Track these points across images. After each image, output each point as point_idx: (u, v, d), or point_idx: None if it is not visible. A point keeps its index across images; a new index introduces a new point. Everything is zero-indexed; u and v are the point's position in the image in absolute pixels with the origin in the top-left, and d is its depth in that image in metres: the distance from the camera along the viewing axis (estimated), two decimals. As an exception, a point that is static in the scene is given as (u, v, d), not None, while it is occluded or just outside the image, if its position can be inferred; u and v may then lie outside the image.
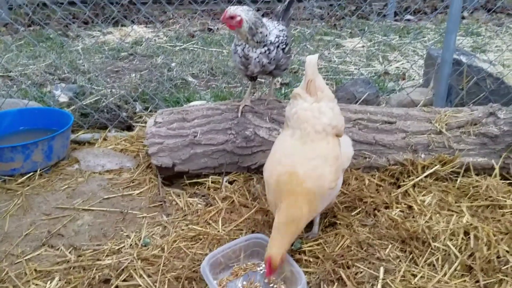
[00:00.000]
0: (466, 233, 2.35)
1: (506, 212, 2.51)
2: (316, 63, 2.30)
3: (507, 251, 2.22)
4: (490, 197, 2.64)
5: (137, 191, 2.88)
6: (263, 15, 3.03)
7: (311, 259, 2.26)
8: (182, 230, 2.50)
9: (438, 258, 2.24)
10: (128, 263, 2.21)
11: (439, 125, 2.95)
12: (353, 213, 2.59)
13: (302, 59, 5.41)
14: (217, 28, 7.25)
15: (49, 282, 2.15)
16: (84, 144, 3.58)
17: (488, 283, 2.08)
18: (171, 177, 3.03)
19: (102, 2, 6.74)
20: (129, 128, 3.90)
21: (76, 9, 6.93)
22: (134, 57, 5.76)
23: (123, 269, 2.17)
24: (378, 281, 2.10)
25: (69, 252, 2.34)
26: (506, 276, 2.10)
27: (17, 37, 6.47)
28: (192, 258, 2.24)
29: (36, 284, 2.14)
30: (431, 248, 2.29)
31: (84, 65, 5.27)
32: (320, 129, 2.21)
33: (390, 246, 2.33)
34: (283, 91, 4.65)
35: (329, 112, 2.26)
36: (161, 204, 2.76)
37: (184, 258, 2.25)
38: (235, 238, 2.34)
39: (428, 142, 2.92)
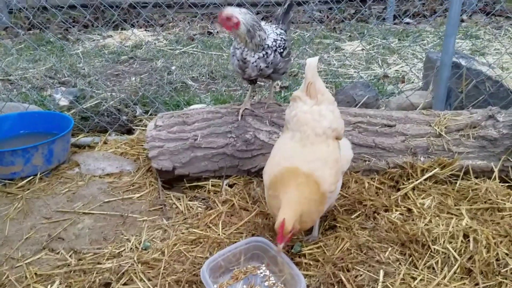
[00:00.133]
0: (466, 236, 2.36)
1: (505, 215, 2.52)
2: (316, 65, 2.31)
3: (507, 254, 2.23)
4: (489, 200, 2.64)
5: (137, 195, 2.89)
6: (262, 19, 3.04)
7: (311, 262, 2.26)
8: (183, 233, 2.50)
9: (437, 261, 2.24)
10: (129, 266, 2.21)
11: (438, 128, 2.96)
12: (353, 216, 2.60)
13: (301, 63, 5.43)
14: (217, 32, 7.27)
15: (49, 286, 2.15)
16: (84, 147, 3.59)
17: (487, 285, 2.09)
18: (171, 180, 3.04)
19: (102, 6, 6.77)
20: (129, 131, 3.91)
21: (76, 12, 6.94)
22: (134, 60, 5.78)
23: (123, 273, 2.18)
24: (378, 284, 2.10)
25: (70, 256, 2.35)
26: (506, 278, 2.11)
27: (17, 41, 6.49)
28: (193, 261, 2.24)
29: (37, 288, 2.15)
30: (431, 251, 2.30)
31: (84, 69, 5.28)
32: (320, 132, 2.22)
33: (389, 249, 2.33)
34: (282, 95, 4.66)
35: (329, 115, 2.27)
36: (161, 208, 2.77)
37: (185, 261, 2.25)
38: (235, 242, 2.34)
39: (427, 145, 2.93)
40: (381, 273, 2.16)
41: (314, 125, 2.23)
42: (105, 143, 3.61)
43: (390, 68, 5.47)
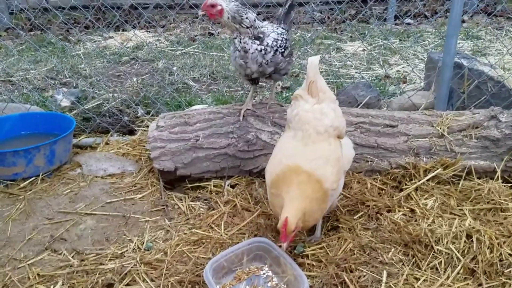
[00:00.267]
0: (469, 236, 2.36)
1: (509, 215, 2.51)
2: (317, 64, 2.31)
3: (510, 254, 2.23)
4: (492, 200, 2.64)
5: (139, 195, 2.88)
6: (264, 20, 3.03)
7: (314, 263, 2.26)
8: (185, 234, 2.50)
9: (441, 261, 2.24)
10: (131, 267, 2.21)
11: (440, 128, 2.95)
12: (355, 217, 2.60)
13: (303, 63, 5.42)
14: (218, 33, 7.27)
15: (52, 286, 2.15)
16: (86, 148, 3.59)
17: (491, 286, 2.09)
18: (173, 181, 3.03)
19: (104, 7, 6.78)
20: (131, 132, 3.91)
21: (78, 13, 6.95)
22: (135, 61, 5.78)
23: (126, 273, 2.17)
24: (381, 284, 2.10)
25: (72, 257, 2.34)
26: (509, 279, 2.10)
27: (18, 42, 6.49)
28: (195, 262, 2.24)
29: (39, 289, 2.14)
30: (434, 252, 2.29)
31: (85, 70, 5.29)
32: (322, 130, 2.22)
33: (393, 249, 2.33)
34: (284, 95, 4.66)
35: (331, 114, 2.27)
36: (164, 208, 2.76)
37: (187, 262, 2.25)
38: (238, 242, 2.34)
39: (430, 145, 2.92)
40: (384, 273, 2.16)
41: (315, 123, 2.23)
42: (107, 143, 3.61)
43: (392, 69, 5.47)
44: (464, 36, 6.68)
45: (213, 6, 2.64)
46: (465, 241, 2.32)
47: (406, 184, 2.84)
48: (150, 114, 4.09)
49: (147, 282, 2.12)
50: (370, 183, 2.84)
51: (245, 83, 4.68)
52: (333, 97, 2.38)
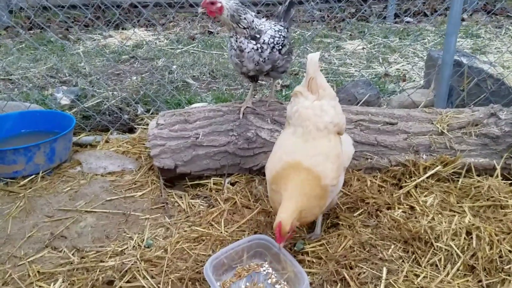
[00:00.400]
0: (468, 233, 2.36)
1: (508, 212, 2.51)
2: (317, 61, 2.31)
3: (510, 251, 2.23)
4: (492, 197, 2.64)
5: (139, 193, 2.88)
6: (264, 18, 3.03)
7: (314, 260, 2.26)
8: (185, 231, 2.50)
9: (440, 258, 2.24)
10: (132, 264, 2.21)
11: (440, 126, 2.96)
12: (355, 214, 2.60)
13: (302, 61, 5.42)
14: (217, 32, 7.27)
15: (52, 284, 2.15)
16: (86, 146, 3.59)
17: (490, 282, 2.09)
18: (173, 178, 3.04)
19: (103, 5, 6.77)
20: (131, 130, 3.91)
21: (77, 12, 6.95)
22: (135, 60, 5.78)
23: (126, 271, 2.17)
24: (381, 281, 2.10)
25: (72, 254, 2.34)
26: (509, 275, 2.11)
27: (18, 41, 6.49)
28: (195, 259, 2.24)
29: (40, 286, 2.14)
30: (434, 248, 2.29)
31: (85, 68, 5.29)
32: (322, 127, 2.22)
33: (392, 246, 2.33)
34: (283, 93, 4.66)
35: (330, 110, 2.27)
36: (164, 206, 2.76)
37: (187, 259, 2.25)
38: (238, 239, 2.34)
39: (429, 143, 2.92)
40: (384, 270, 2.16)
41: (315, 120, 2.23)
42: (106, 142, 3.61)
43: (391, 67, 5.47)
44: (464, 35, 6.68)
45: (213, 3, 2.64)
46: (465, 238, 2.33)
47: (405, 182, 2.84)
48: (150, 112, 4.09)
49: (148, 279, 2.12)
50: (370, 181, 2.84)
51: (245, 81, 4.68)
52: (333, 94, 2.38)
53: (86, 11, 4.29)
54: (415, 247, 2.31)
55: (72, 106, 4.08)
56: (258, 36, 2.76)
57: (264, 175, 2.35)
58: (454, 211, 2.58)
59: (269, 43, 2.77)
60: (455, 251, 2.25)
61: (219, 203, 2.76)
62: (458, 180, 2.84)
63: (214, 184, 2.97)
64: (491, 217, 2.49)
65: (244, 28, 2.71)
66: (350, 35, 6.98)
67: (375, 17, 7.93)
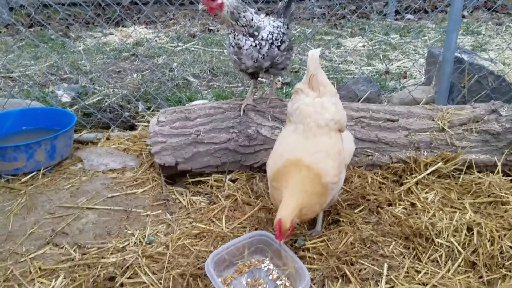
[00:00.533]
0: (469, 229, 2.36)
1: (509, 208, 2.51)
2: (318, 57, 2.30)
3: (511, 247, 2.23)
4: (492, 193, 2.64)
5: (141, 190, 2.89)
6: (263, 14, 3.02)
7: (315, 256, 2.26)
8: (186, 228, 2.50)
9: (441, 254, 2.24)
10: (133, 260, 2.21)
11: (441, 122, 2.96)
12: (356, 211, 2.60)
13: (303, 59, 5.42)
14: (218, 29, 7.26)
15: (54, 280, 2.15)
16: (87, 143, 3.59)
17: (491, 278, 2.09)
18: (174, 175, 3.04)
19: (103, 2, 6.77)
20: (132, 127, 3.91)
21: (78, 9, 6.94)
22: (135, 57, 5.77)
23: (127, 267, 2.18)
24: (382, 277, 2.11)
25: (74, 250, 2.35)
26: (510, 271, 2.11)
27: (19, 38, 6.49)
28: (197, 255, 2.25)
29: (41, 283, 2.14)
30: (435, 245, 2.30)
31: (86, 66, 5.29)
32: (323, 124, 2.22)
33: (393, 243, 2.33)
34: (284, 91, 4.66)
35: (331, 107, 2.27)
36: (165, 203, 2.77)
37: (189, 255, 2.25)
38: (239, 236, 2.34)
39: (430, 139, 2.92)
40: (385, 266, 2.16)
41: (316, 117, 2.23)
42: (107, 139, 3.61)
43: (392, 64, 5.46)
44: (464, 32, 6.68)
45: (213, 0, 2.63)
46: (465, 234, 2.33)
47: (406, 178, 2.84)
48: (151, 110, 4.10)
49: (149, 275, 2.13)
50: (371, 178, 2.84)
51: (245, 78, 4.68)
52: (333, 91, 2.38)
53: (86, 8, 4.28)
54: (416, 243, 2.32)
55: (73, 103, 4.08)
56: (256, 33, 2.75)
57: (265, 172, 2.35)
58: (455, 208, 2.58)
59: (268, 39, 2.76)
60: (456, 247, 2.26)
61: (220, 199, 2.76)
62: (459, 177, 2.84)
63: (215, 181, 2.97)
64: (492, 214, 2.49)
65: (243, 26, 2.71)
66: (351, 32, 6.97)
67: (376, 14, 7.92)
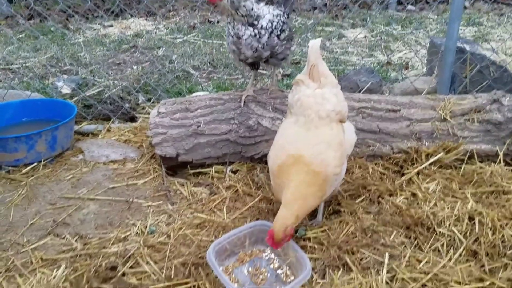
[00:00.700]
0: (471, 219, 2.35)
1: (511, 198, 2.50)
2: (318, 48, 2.28)
3: (512, 236, 2.23)
4: (494, 183, 2.64)
5: (142, 181, 2.88)
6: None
7: (315, 246, 2.26)
8: (188, 218, 2.50)
9: (443, 243, 2.24)
10: (135, 250, 2.21)
11: (443, 112, 2.94)
12: (357, 201, 2.59)
13: (304, 50, 5.39)
14: (218, 21, 7.22)
15: (55, 270, 2.15)
16: (88, 135, 3.58)
17: (493, 267, 2.09)
18: (174, 167, 3.03)
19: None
20: (132, 119, 3.91)
21: (77, 1, 6.91)
22: (135, 49, 5.75)
23: (129, 256, 2.18)
24: (383, 266, 2.10)
25: (75, 241, 2.35)
26: (511, 260, 2.10)
27: (18, 30, 6.46)
28: (198, 244, 2.24)
29: (43, 272, 2.14)
30: (436, 234, 2.29)
31: (85, 58, 5.27)
32: (324, 115, 2.20)
33: (394, 232, 2.32)
34: (285, 82, 4.64)
35: (332, 98, 2.25)
36: (166, 193, 2.76)
37: (190, 244, 2.25)
38: (240, 226, 2.33)
39: (432, 129, 2.91)
40: (386, 255, 2.15)
41: (317, 108, 2.21)
42: (108, 130, 3.61)
43: (394, 55, 5.43)
44: (466, 23, 6.64)
45: None
46: (467, 224, 2.32)
47: (408, 169, 2.83)
48: (151, 101, 4.09)
49: (151, 264, 2.13)
50: (372, 168, 2.83)
51: (246, 70, 4.66)
52: (335, 82, 2.36)
53: (86, 0, 4.25)
54: (417, 232, 2.31)
55: (73, 95, 4.07)
56: (256, 22, 2.72)
57: (266, 163, 2.35)
58: (457, 197, 2.57)
59: (267, 27, 2.73)
60: (458, 236, 2.25)
61: (221, 190, 2.76)
62: (460, 167, 2.84)
63: (215, 172, 2.96)
64: (493, 203, 2.48)
65: (242, 15, 2.68)
66: (352, 23, 6.94)
67: (377, 5, 7.87)
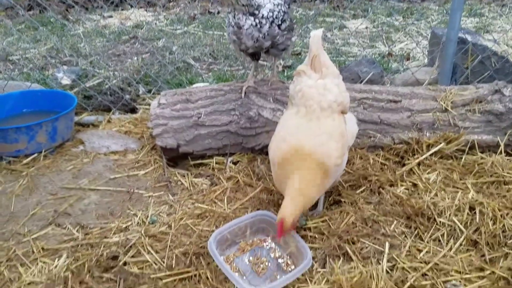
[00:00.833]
0: (472, 209, 2.36)
1: (512, 188, 2.51)
2: (320, 38, 2.26)
3: (513, 225, 2.23)
4: (495, 173, 2.64)
5: (143, 172, 2.88)
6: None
7: (316, 235, 2.26)
8: (189, 208, 2.51)
9: (443, 233, 2.24)
10: (136, 240, 2.22)
11: (444, 103, 2.93)
12: (357, 191, 2.59)
13: (305, 41, 5.37)
14: (218, 12, 7.18)
15: (56, 259, 2.16)
16: (88, 126, 3.58)
17: (493, 257, 2.09)
18: (175, 158, 3.03)
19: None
20: (133, 110, 3.90)
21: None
22: (135, 40, 5.73)
23: (131, 246, 2.19)
24: (383, 255, 2.11)
25: (76, 231, 2.35)
26: (512, 250, 2.11)
27: (18, 21, 6.43)
28: (199, 234, 2.25)
29: (44, 262, 2.15)
30: (437, 224, 2.29)
31: (85, 49, 5.25)
32: (326, 106, 2.19)
33: (395, 222, 2.33)
34: (286, 74, 4.62)
35: (334, 89, 2.24)
36: (167, 184, 2.77)
37: (191, 234, 2.26)
38: (241, 216, 2.34)
39: (433, 120, 2.90)
40: (387, 245, 2.16)
41: (319, 99, 2.20)
42: (108, 121, 3.60)
43: (395, 46, 5.41)
44: (468, 13, 6.60)
45: None
46: (468, 213, 2.32)
47: (408, 159, 2.83)
48: (151, 93, 4.08)
49: (152, 254, 2.14)
50: (373, 159, 2.83)
51: (246, 61, 4.64)
52: (336, 72, 2.34)
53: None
54: (418, 222, 2.31)
55: (73, 86, 4.06)
56: (256, 12, 2.70)
57: (266, 155, 2.34)
58: (457, 188, 2.58)
59: (268, 17, 2.71)
60: (458, 226, 2.25)
61: (222, 181, 2.76)
62: (461, 157, 2.83)
63: (216, 163, 2.96)
64: (494, 193, 2.48)
65: (243, 5, 2.66)
66: (353, 14, 6.90)
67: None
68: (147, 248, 2.17)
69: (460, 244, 2.18)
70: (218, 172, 2.87)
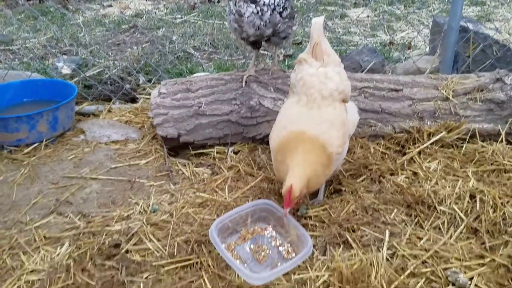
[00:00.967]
0: (472, 197, 2.36)
1: (512, 176, 2.52)
2: (322, 25, 2.25)
3: (513, 213, 2.24)
4: (496, 161, 2.64)
5: (144, 161, 2.89)
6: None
7: (317, 224, 2.27)
8: (190, 197, 2.51)
9: (444, 221, 2.25)
10: (138, 228, 2.23)
11: (445, 91, 2.92)
12: (358, 180, 2.60)
13: (306, 30, 5.34)
14: (218, 0, 7.13)
15: (58, 248, 2.17)
16: (88, 115, 3.58)
17: (493, 244, 2.10)
18: (176, 147, 3.03)
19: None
20: (133, 100, 3.90)
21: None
22: (135, 29, 5.70)
23: (132, 234, 2.19)
24: (383, 243, 2.12)
25: (78, 219, 2.36)
26: (512, 237, 2.12)
27: (18, 10, 6.39)
28: (201, 223, 2.26)
29: (46, 250, 2.16)
30: (437, 212, 2.30)
31: (85, 38, 5.22)
32: (327, 94, 2.18)
33: (395, 210, 2.34)
34: (286, 63, 4.61)
35: (335, 77, 2.23)
36: (168, 173, 2.77)
37: (193, 223, 2.27)
38: (242, 205, 2.34)
39: (434, 109, 2.90)
40: (387, 233, 2.17)
41: (320, 87, 2.19)
42: (109, 111, 3.60)
43: (396, 35, 5.38)
44: (469, 2, 6.55)
45: None
46: (468, 202, 2.33)
47: (409, 148, 2.83)
48: (152, 82, 4.07)
49: (154, 242, 2.15)
50: (373, 148, 2.83)
51: (247, 50, 4.62)
52: (337, 60, 2.33)
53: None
54: (418, 210, 2.32)
55: (73, 75, 4.05)
56: (258, 0, 2.68)
57: (267, 144, 2.34)
58: (458, 176, 2.58)
59: (269, 4, 2.68)
60: (459, 214, 2.26)
61: (223, 170, 2.76)
62: (462, 146, 2.83)
63: (217, 153, 2.96)
64: (495, 181, 2.49)
65: None
66: (355, 2, 6.85)
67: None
68: (149, 236, 2.18)
69: (460, 232, 2.19)
70: (219, 162, 2.87)
